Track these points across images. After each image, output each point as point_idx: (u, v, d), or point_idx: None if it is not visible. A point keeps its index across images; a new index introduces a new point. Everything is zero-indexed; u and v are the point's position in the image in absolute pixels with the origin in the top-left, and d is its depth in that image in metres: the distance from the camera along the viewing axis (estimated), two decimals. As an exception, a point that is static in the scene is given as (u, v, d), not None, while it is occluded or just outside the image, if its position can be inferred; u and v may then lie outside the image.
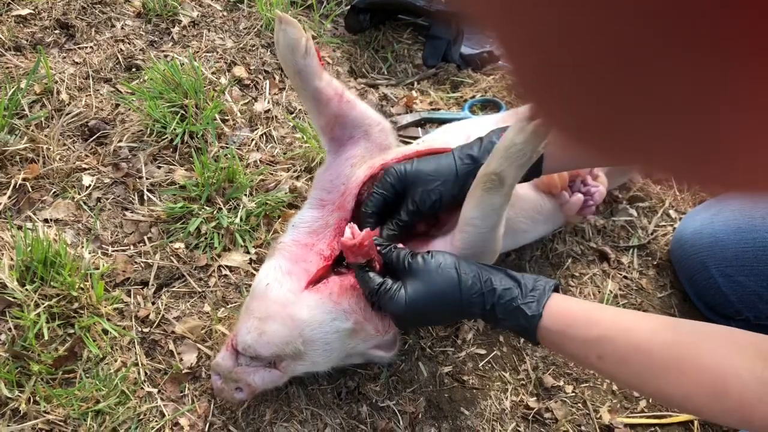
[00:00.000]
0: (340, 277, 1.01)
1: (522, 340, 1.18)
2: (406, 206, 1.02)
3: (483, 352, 1.16)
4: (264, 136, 1.37)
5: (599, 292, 1.26)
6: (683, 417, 1.13)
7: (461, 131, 1.17)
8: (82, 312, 1.08)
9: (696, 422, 1.13)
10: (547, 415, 1.11)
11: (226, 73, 1.45)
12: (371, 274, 0.93)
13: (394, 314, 0.93)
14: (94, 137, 1.31)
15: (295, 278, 0.99)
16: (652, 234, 1.36)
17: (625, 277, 1.30)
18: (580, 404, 1.13)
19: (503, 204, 0.94)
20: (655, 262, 1.33)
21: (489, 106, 1.50)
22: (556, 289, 0.90)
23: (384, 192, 1.02)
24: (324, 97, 1.04)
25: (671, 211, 1.40)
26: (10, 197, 1.20)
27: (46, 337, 1.04)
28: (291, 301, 0.95)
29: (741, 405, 0.72)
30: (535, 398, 1.12)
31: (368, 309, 0.97)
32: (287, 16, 0.99)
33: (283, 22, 0.98)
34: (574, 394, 1.14)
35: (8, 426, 0.97)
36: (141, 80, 1.40)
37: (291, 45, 0.99)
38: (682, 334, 0.81)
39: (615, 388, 1.16)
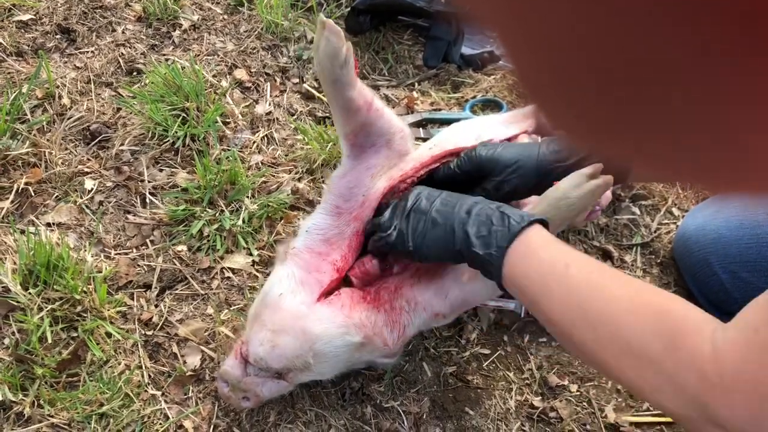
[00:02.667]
0: (352, 288, 1.00)
1: (526, 339, 1.18)
2: (478, 192, 1.02)
3: (487, 351, 1.16)
4: (265, 138, 1.37)
5: (603, 290, 1.26)
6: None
7: (471, 132, 1.16)
8: (85, 315, 1.08)
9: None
10: (552, 414, 1.10)
11: (227, 76, 1.45)
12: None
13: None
14: (95, 141, 1.31)
15: (308, 289, 0.98)
16: (655, 232, 1.35)
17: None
18: (585, 403, 1.13)
19: None
20: (658, 260, 1.32)
21: (490, 106, 1.50)
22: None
23: (457, 170, 1.04)
24: (354, 107, 1.01)
25: (674, 209, 1.40)
26: (12, 202, 1.20)
27: (50, 341, 1.04)
28: (304, 313, 0.95)
29: (692, 359, 0.67)
30: (539, 397, 1.12)
31: (378, 323, 0.97)
32: (331, 23, 0.95)
33: (326, 30, 0.95)
34: (579, 393, 1.13)
35: (13, 430, 0.97)
36: (142, 84, 1.41)
37: (331, 54, 0.96)
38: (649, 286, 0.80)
39: (620, 386, 1.15)
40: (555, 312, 0.80)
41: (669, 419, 1.12)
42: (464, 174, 1.04)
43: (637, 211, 1.38)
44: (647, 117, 0.21)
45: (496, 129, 1.17)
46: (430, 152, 1.11)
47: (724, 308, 1.22)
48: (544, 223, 0.87)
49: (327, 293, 0.99)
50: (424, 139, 1.37)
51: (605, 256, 1.31)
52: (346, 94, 1.00)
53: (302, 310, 0.95)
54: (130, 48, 1.48)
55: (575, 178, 0.92)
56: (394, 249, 0.97)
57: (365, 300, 0.98)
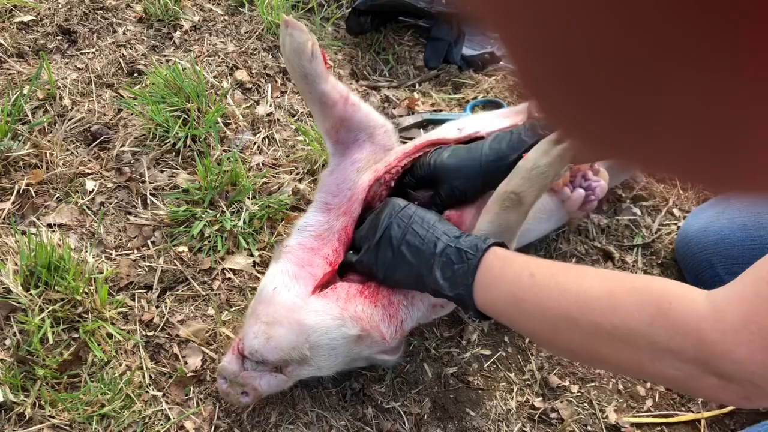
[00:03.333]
0: (348, 282, 1.00)
1: (527, 340, 1.18)
2: (434, 199, 1.07)
3: (488, 352, 1.16)
4: (266, 139, 1.37)
5: (604, 291, 1.25)
6: (690, 416, 1.13)
7: (454, 123, 1.19)
8: (86, 316, 1.08)
9: (703, 421, 1.12)
10: (553, 415, 1.10)
11: (228, 77, 1.45)
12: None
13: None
14: (96, 142, 1.31)
15: (302, 283, 0.99)
16: (656, 233, 1.35)
17: (630, 276, 1.29)
18: (586, 404, 1.12)
19: (519, 222, 0.95)
20: (659, 261, 1.32)
21: (491, 106, 1.49)
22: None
23: (414, 181, 1.09)
24: (329, 101, 1.03)
25: (675, 210, 1.40)
26: (13, 203, 1.20)
27: (51, 342, 1.04)
28: (298, 306, 0.95)
29: (686, 321, 0.67)
30: (540, 398, 1.12)
31: (374, 317, 0.97)
32: (293, 19, 0.98)
33: (289, 26, 0.98)
34: (579, 393, 1.13)
35: (14, 430, 0.97)
36: (143, 85, 1.41)
37: (297, 49, 0.99)
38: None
39: (621, 387, 1.15)
40: (534, 323, 0.81)
41: (670, 420, 1.12)
42: (422, 182, 1.08)
43: (638, 212, 1.38)
44: (646, 118, 0.21)
45: (482, 122, 1.18)
46: (413, 142, 1.12)
47: (725, 309, 1.22)
48: (498, 243, 0.90)
49: (321, 287, 0.99)
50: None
51: (606, 256, 1.31)
52: (318, 88, 1.02)
53: (297, 302, 0.95)
54: (131, 49, 1.48)
55: (542, 146, 0.93)
56: (364, 270, 1.00)
57: (362, 294, 0.98)
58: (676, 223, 1.37)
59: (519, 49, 0.23)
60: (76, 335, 1.07)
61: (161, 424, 1.01)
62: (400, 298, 1.00)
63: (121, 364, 1.06)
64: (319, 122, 1.09)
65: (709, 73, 0.18)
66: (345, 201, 1.06)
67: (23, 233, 1.15)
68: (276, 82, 1.47)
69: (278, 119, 1.40)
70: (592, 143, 0.27)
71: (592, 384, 1.15)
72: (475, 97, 1.50)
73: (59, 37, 1.48)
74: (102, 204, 1.24)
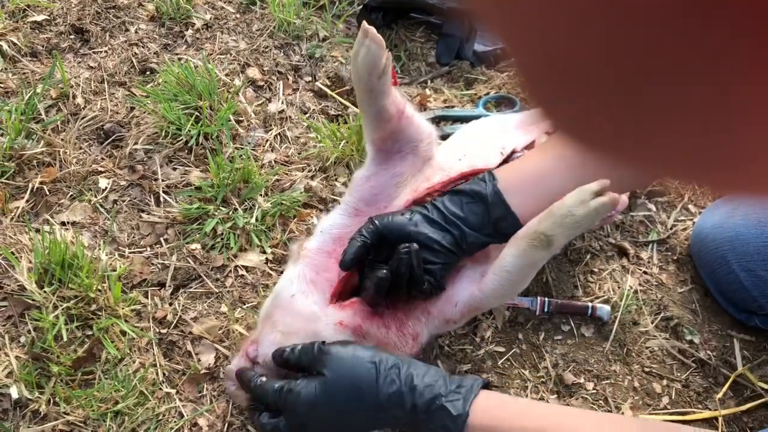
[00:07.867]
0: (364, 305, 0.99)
1: (542, 336, 1.17)
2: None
3: (502, 349, 1.15)
4: (278, 137, 1.37)
5: (619, 287, 1.24)
6: (706, 414, 1.12)
7: (496, 145, 1.13)
8: (100, 313, 1.08)
9: (720, 419, 1.11)
10: (568, 412, 1.09)
11: (240, 75, 1.45)
12: (265, 385, 0.88)
13: (303, 412, 0.84)
14: (109, 140, 1.31)
15: (319, 290, 0.98)
16: (671, 229, 1.34)
17: (645, 273, 1.28)
18: (601, 401, 1.12)
19: (544, 260, 0.92)
20: (675, 257, 1.31)
21: (503, 102, 1.49)
22: (486, 387, 0.85)
23: (366, 239, 0.96)
24: (386, 116, 1.00)
25: (690, 206, 1.38)
26: (27, 201, 1.21)
27: (65, 339, 1.04)
28: (316, 316, 0.94)
29: None
30: (555, 396, 1.11)
31: (391, 336, 0.96)
32: (374, 31, 0.93)
33: (368, 37, 0.93)
34: (595, 391, 1.12)
35: (29, 427, 0.98)
36: (155, 83, 1.41)
37: (370, 63, 0.94)
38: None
39: (637, 384, 1.14)
40: None
41: (686, 417, 1.11)
42: (376, 242, 0.97)
43: (653, 208, 1.37)
44: (649, 117, 0.21)
45: (516, 138, 1.16)
46: (458, 165, 1.07)
47: (741, 306, 1.21)
48: (484, 385, 0.85)
49: (339, 293, 0.98)
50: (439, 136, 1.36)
51: (621, 252, 1.30)
52: (379, 104, 0.98)
53: (315, 312, 0.94)
54: (143, 47, 1.48)
55: (580, 195, 0.87)
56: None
57: (378, 313, 0.97)
58: (691, 219, 1.36)
59: (517, 47, 0.23)
60: (90, 332, 1.07)
61: (175, 421, 1.01)
62: (417, 314, 0.98)
63: (134, 362, 1.06)
64: (368, 131, 1.04)
65: (706, 78, 0.17)
66: (376, 212, 1.02)
67: (37, 231, 1.15)
68: (288, 79, 1.47)
69: (290, 116, 1.40)
70: (592, 146, 0.27)
71: (608, 381, 1.14)
72: (488, 93, 1.50)
73: (72, 37, 1.48)
74: (115, 202, 1.24)
